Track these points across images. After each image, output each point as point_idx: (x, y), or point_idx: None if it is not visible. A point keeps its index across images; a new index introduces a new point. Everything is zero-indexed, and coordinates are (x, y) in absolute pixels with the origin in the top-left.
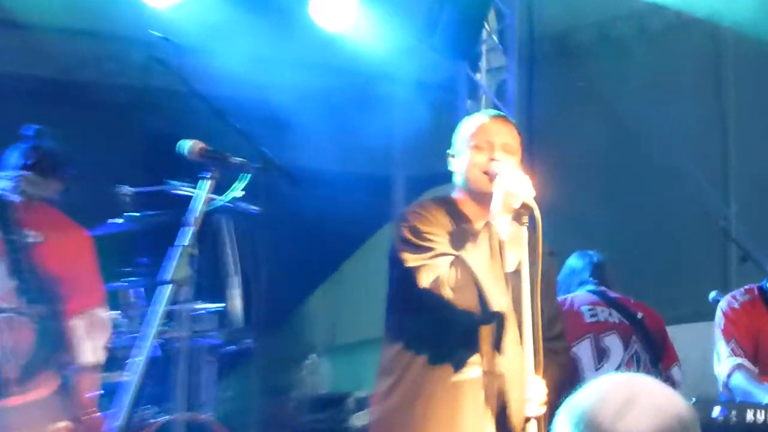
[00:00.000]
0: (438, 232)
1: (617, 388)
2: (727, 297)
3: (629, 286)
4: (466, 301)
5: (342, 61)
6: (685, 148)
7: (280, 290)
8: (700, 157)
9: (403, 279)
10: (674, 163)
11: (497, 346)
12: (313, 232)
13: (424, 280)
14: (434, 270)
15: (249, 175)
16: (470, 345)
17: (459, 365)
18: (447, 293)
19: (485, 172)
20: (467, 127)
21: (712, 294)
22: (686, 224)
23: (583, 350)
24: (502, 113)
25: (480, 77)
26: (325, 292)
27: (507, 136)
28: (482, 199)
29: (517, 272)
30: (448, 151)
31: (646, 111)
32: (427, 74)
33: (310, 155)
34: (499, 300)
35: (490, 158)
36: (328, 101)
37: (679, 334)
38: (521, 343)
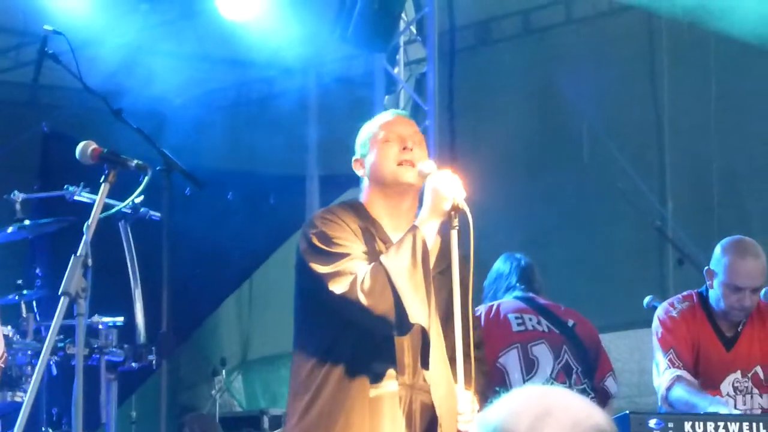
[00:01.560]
0: (349, 237)
1: (531, 402)
2: (665, 304)
3: (559, 292)
4: (382, 308)
5: (250, 54)
6: (618, 141)
7: (187, 302)
8: (633, 150)
9: (313, 289)
10: (606, 157)
11: (420, 358)
12: (220, 239)
13: (337, 287)
14: (347, 275)
15: (148, 178)
16: (388, 357)
17: (377, 378)
18: (361, 298)
19: (400, 163)
20: (370, 127)
21: (647, 299)
22: (619, 224)
23: (511, 361)
24: (404, 112)
25: (398, 71)
26: (236, 303)
27: (411, 129)
28: (398, 194)
29: (443, 273)
30: (353, 158)
31: (576, 103)
32: (342, 68)
33: (216, 155)
34: (417, 310)
35: (403, 148)
36: (235, 97)
37: (613, 343)
38: (448, 353)
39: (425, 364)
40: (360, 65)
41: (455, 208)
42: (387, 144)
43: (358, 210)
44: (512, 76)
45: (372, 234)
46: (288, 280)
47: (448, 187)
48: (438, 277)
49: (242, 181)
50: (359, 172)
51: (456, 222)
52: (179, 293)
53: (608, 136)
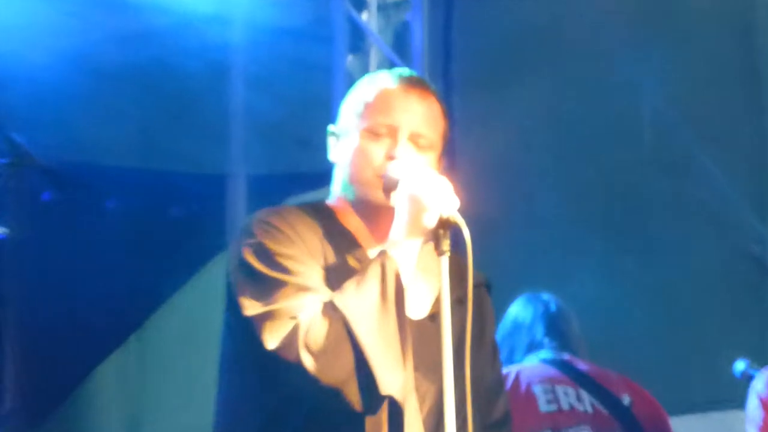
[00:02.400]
0: (301, 257)
1: None
2: (766, 373)
3: (606, 352)
4: (336, 375)
5: None
6: (696, 130)
7: (45, 365)
8: (718, 145)
9: (241, 333)
10: (678, 154)
11: None
12: (96, 268)
13: (270, 337)
14: (285, 320)
15: None
16: None
17: None
18: (304, 358)
19: (380, 177)
20: (362, 93)
21: (740, 365)
22: (697, 249)
23: None
24: (418, 78)
25: (367, 18)
26: (119, 366)
27: (422, 118)
28: (374, 216)
29: (433, 318)
30: (329, 127)
31: (635, 77)
32: (283, 16)
33: (92, 145)
34: (390, 377)
35: (389, 155)
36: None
37: (689, 429)
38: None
39: None
40: (309, 10)
41: (443, 224)
42: (370, 137)
43: (324, 216)
44: (540, 31)
45: (343, 254)
46: (201, 332)
47: (432, 194)
48: (428, 323)
49: (130, 182)
50: (331, 153)
51: (446, 245)
52: (33, 351)
53: (682, 124)
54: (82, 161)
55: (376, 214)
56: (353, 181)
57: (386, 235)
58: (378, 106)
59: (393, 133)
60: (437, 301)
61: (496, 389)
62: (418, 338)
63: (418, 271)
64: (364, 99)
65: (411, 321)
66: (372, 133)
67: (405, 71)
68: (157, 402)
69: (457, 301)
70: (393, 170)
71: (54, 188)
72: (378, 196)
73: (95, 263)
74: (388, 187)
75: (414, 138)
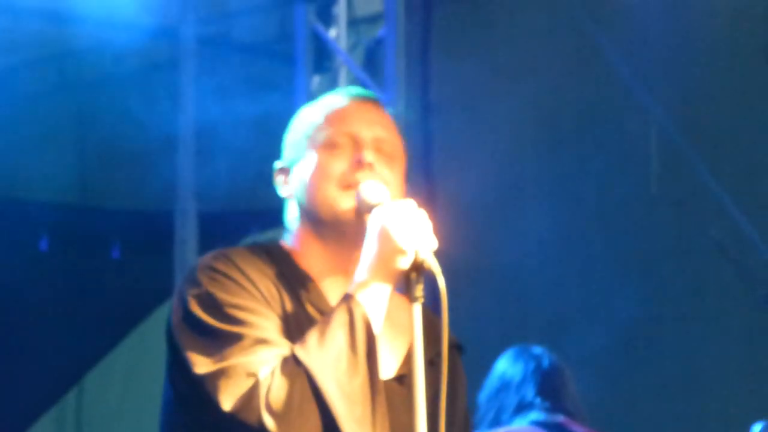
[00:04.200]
0: (253, 306)
1: None
2: None
3: (606, 413)
4: None
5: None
6: (709, 157)
7: None
8: (734, 174)
9: (189, 395)
10: (689, 184)
11: None
12: (29, 316)
13: (228, 398)
14: (242, 378)
15: None
16: None
17: None
18: (268, 423)
19: (347, 187)
20: (309, 117)
21: (758, 428)
22: (711, 293)
23: None
24: (370, 94)
25: (336, 34)
26: (59, 421)
27: (382, 126)
28: (341, 239)
29: (401, 380)
30: (275, 164)
31: (639, 94)
32: (240, 28)
33: (21, 177)
34: None
35: (357, 161)
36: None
37: None
38: None
39: None
40: (272, 23)
41: (417, 268)
42: (331, 151)
43: (278, 258)
44: (530, 45)
45: (300, 300)
46: (146, 390)
47: (406, 230)
48: (395, 386)
49: (67, 220)
50: (282, 190)
51: (419, 290)
52: None
53: (691, 150)
54: (9, 197)
55: (343, 234)
56: (314, 202)
57: (352, 266)
58: (332, 120)
59: (355, 140)
60: (405, 361)
61: None
62: (386, 399)
63: (384, 325)
64: (313, 121)
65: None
66: (330, 146)
67: (354, 89)
68: None
69: (430, 362)
70: (367, 192)
71: None
72: (348, 213)
73: (27, 310)
74: (361, 210)
75: (378, 144)
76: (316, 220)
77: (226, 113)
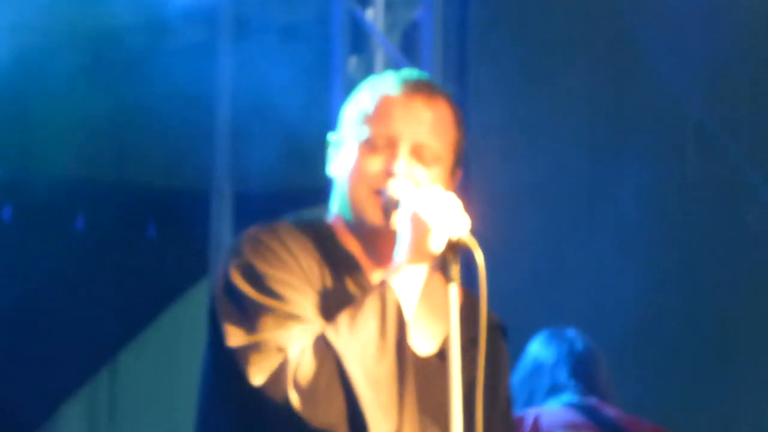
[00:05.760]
0: (293, 281)
1: None
2: None
3: (639, 397)
4: (326, 419)
5: None
6: (748, 145)
7: (4, 399)
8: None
9: (224, 366)
10: (727, 172)
11: None
12: (63, 294)
13: (257, 372)
14: (273, 353)
15: None
16: None
17: None
18: (294, 400)
19: (377, 193)
20: (363, 100)
21: None
22: (748, 281)
23: None
24: (426, 81)
25: (373, 16)
26: (85, 411)
27: (427, 127)
28: (372, 238)
29: (442, 355)
30: (329, 136)
31: (676, 82)
32: (276, 12)
33: (57, 154)
34: (382, 426)
35: (387, 171)
36: (92, 56)
37: None
38: None
39: None
40: (309, 4)
41: (453, 247)
42: (367, 151)
43: (322, 235)
44: (568, 31)
45: (341, 279)
46: (180, 370)
47: (439, 214)
48: (436, 362)
49: (103, 198)
50: (330, 168)
51: (456, 271)
52: None
53: (731, 139)
54: (47, 173)
55: (373, 237)
56: (348, 199)
57: (386, 262)
58: (377, 115)
59: (392, 145)
60: (447, 339)
61: None
62: (425, 378)
63: (425, 305)
64: (363, 108)
65: (417, 358)
66: (370, 146)
67: (410, 74)
68: None
69: (470, 341)
70: (392, 189)
71: (13, 204)
72: (375, 217)
73: (61, 289)
74: (387, 209)
75: (417, 150)
76: (348, 214)
77: (263, 94)
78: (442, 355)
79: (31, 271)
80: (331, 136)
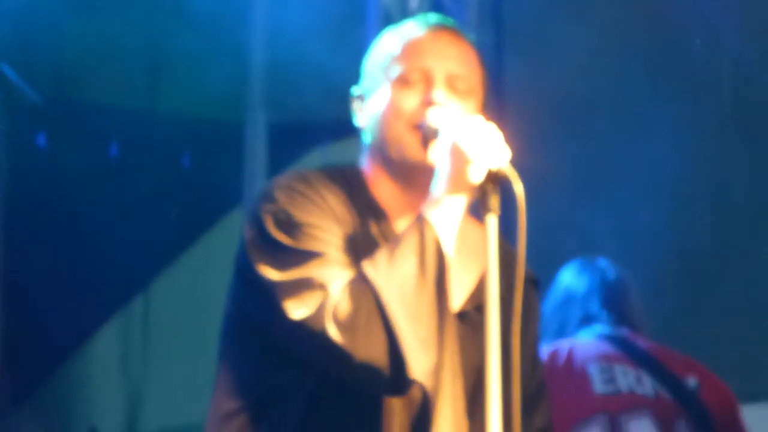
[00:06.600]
0: (328, 226)
1: None
2: None
3: (669, 332)
4: (367, 352)
5: None
6: None
7: (34, 331)
8: None
9: (256, 302)
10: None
11: None
12: (97, 224)
13: (295, 307)
14: (314, 290)
15: None
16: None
17: None
18: (332, 332)
19: (416, 127)
20: (386, 46)
21: None
22: None
23: None
24: (449, 22)
25: None
26: (119, 334)
27: (457, 61)
28: (410, 178)
29: (464, 316)
30: (352, 89)
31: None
32: None
33: (95, 82)
34: (421, 361)
35: (426, 100)
36: None
37: (760, 419)
38: None
39: None
40: None
41: (493, 177)
42: (401, 86)
43: (353, 183)
44: None
45: (369, 226)
46: (210, 297)
47: (478, 145)
48: (476, 315)
49: (138, 126)
50: (358, 118)
51: (495, 201)
52: (22, 313)
53: (763, 75)
54: (81, 101)
55: (412, 174)
56: (385, 138)
57: (420, 203)
58: (406, 53)
59: (427, 77)
60: (473, 295)
61: (537, 396)
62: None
63: (457, 254)
64: (390, 51)
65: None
66: (403, 82)
67: (433, 17)
68: (161, 370)
69: (507, 290)
70: (432, 118)
71: (48, 131)
72: (414, 150)
73: (96, 216)
74: (427, 138)
75: (451, 81)
76: (386, 156)
77: (298, 25)
78: (462, 315)
79: (67, 199)
80: (353, 90)
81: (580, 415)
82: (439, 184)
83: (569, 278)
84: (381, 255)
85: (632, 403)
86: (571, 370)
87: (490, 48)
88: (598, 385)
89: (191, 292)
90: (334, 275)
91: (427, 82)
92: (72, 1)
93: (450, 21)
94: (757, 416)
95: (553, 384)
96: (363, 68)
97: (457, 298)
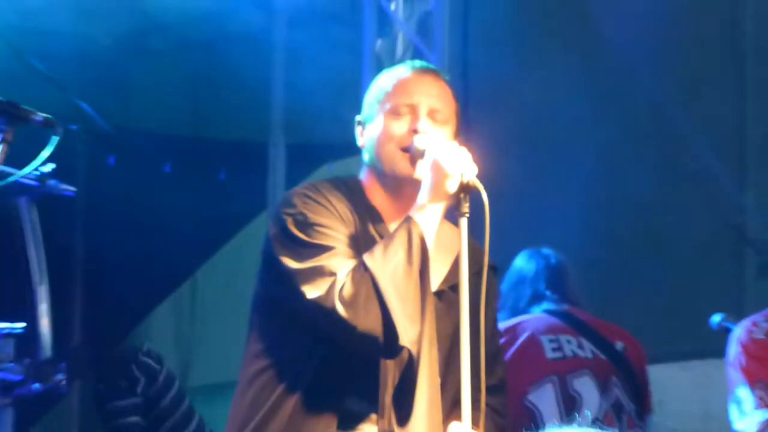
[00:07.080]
0: (336, 225)
1: None
2: (746, 323)
3: (597, 307)
4: (365, 324)
5: None
6: (688, 108)
7: (108, 306)
8: (705, 120)
9: (279, 289)
10: (670, 131)
11: (399, 401)
12: (154, 224)
13: (311, 289)
14: (326, 276)
15: (58, 138)
16: (365, 391)
17: (349, 420)
18: (339, 308)
19: (404, 150)
20: (381, 84)
21: (717, 318)
22: (683, 219)
23: (545, 399)
24: (430, 66)
25: (395, 7)
26: (173, 310)
27: (437, 97)
28: (399, 188)
29: (440, 295)
30: (356, 117)
31: (628, 56)
32: (320, 1)
33: (151, 115)
34: (408, 331)
35: (412, 129)
36: (175, 40)
37: (671, 377)
38: (450, 397)
39: (407, 407)
40: None
41: (465, 188)
42: (393, 117)
43: (354, 191)
44: (548, 18)
45: (367, 226)
46: (243, 281)
47: (454, 163)
48: (449, 294)
49: (185, 148)
50: (359, 140)
51: (466, 206)
52: (98, 294)
53: (672, 103)
54: (141, 130)
55: (400, 186)
56: (380, 157)
57: (404, 212)
58: (396, 90)
59: (413, 110)
60: (446, 278)
61: (494, 358)
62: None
63: (435, 248)
64: (384, 88)
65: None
66: (394, 114)
67: (418, 63)
68: (206, 343)
69: (474, 274)
70: (418, 142)
71: (117, 153)
72: (404, 167)
73: (154, 219)
74: (414, 158)
75: (432, 113)
76: (380, 171)
77: (310, 68)
78: (439, 294)
79: (131, 206)
80: (357, 117)
81: (536, 377)
82: (423, 193)
83: (520, 263)
84: (377, 248)
85: (576, 365)
86: (527, 341)
87: (459, 87)
88: (549, 352)
89: (228, 278)
90: (341, 264)
91: (414, 113)
92: (132, 51)
93: (431, 65)
94: (668, 373)
95: (514, 352)
96: (363, 101)
97: (435, 281)
